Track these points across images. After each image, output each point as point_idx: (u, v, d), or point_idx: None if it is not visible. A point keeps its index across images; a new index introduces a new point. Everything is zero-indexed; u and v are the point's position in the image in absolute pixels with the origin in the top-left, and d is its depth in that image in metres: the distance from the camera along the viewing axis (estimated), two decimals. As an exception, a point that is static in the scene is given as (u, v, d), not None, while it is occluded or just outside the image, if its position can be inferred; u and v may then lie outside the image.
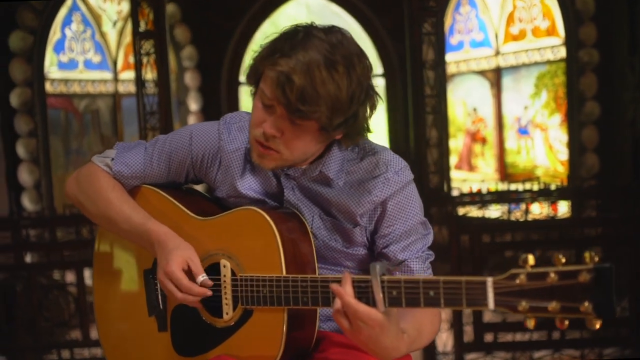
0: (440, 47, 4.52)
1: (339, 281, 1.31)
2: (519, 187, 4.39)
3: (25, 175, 5.09)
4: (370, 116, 1.44)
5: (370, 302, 1.29)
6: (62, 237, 4.04)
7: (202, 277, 1.46)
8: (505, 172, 5.60)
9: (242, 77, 6.58)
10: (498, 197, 4.06)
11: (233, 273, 1.47)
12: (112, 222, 1.58)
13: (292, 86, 1.32)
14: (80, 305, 3.76)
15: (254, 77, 1.44)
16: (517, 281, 1.16)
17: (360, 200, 1.47)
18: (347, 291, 1.29)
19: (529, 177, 5.13)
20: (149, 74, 4.61)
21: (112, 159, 1.61)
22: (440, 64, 4.51)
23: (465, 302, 1.21)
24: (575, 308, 1.11)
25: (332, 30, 1.39)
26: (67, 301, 4.06)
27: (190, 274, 1.46)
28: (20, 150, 5.10)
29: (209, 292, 1.47)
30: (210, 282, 1.46)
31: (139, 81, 4.65)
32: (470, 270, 3.66)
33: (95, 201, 1.59)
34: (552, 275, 1.14)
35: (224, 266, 1.48)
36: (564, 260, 1.16)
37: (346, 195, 1.48)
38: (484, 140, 5.76)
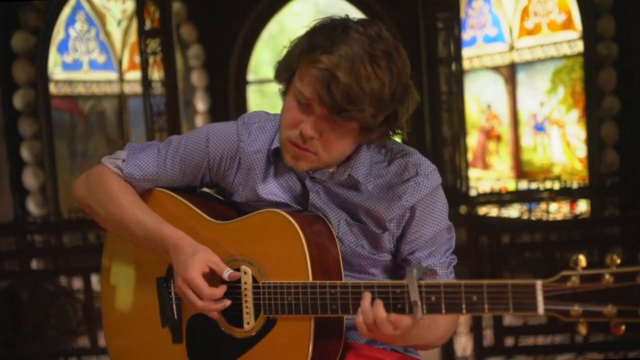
0: (457, 41, 4.43)
1: (370, 287, 1.28)
2: (539, 185, 4.30)
3: (30, 179, 5.05)
4: (409, 113, 1.37)
5: (407, 308, 1.23)
6: (68, 243, 3.98)
7: (228, 271, 1.39)
8: (521, 169, 5.55)
9: (250, 76, 6.61)
10: (518, 196, 3.97)
11: (254, 280, 1.40)
12: (124, 227, 1.50)
13: (337, 84, 1.26)
14: (88, 312, 3.70)
15: (286, 74, 1.38)
16: (569, 284, 1.11)
17: (390, 205, 1.42)
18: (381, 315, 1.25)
19: (546, 174, 5.09)
20: (156, 74, 4.55)
21: (123, 160, 1.53)
22: (457, 59, 4.42)
23: (512, 307, 1.15)
24: (634, 312, 1.08)
25: (369, 23, 1.33)
26: (75, 308, 4.01)
27: (211, 278, 1.39)
28: (25, 153, 5.06)
29: (228, 302, 1.40)
30: (238, 274, 1.39)
31: (146, 81, 4.60)
32: (489, 272, 3.58)
33: (105, 205, 1.52)
34: (607, 277, 1.10)
35: (245, 272, 1.40)
36: (619, 261, 1.11)
37: (375, 199, 1.43)
38: (498, 138, 5.72)
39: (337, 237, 1.43)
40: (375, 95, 1.27)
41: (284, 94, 1.40)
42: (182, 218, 1.50)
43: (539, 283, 1.12)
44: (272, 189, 1.47)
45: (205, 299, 1.38)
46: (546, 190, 3.94)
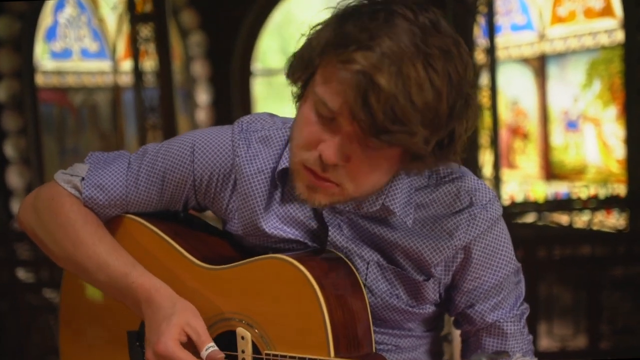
0: (491, 29, 4.16)
1: None
2: (579, 193, 4.07)
3: (14, 178, 4.98)
4: (468, 134, 1.09)
5: None
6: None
7: (209, 347, 1.15)
8: (550, 171, 5.48)
9: (256, 66, 6.55)
10: (557, 205, 3.71)
11: (255, 348, 1.18)
12: (83, 269, 1.26)
13: (378, 94, 0.97)
14: (73, 330, 3.43)
15: (302, 74, 1.10)
16: None
17: (437, 245, 1.18)
18: None
19: (580, 177, 5.08)
20: (148, 64, 4.31)
21: (83, 178, 1.28)
22: (490, 49, 4.16)
23: None
24: None
25: (421, 8, 1.03)
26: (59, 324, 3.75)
27: (192, 347, 1.16)
28: (9, 150, 5.01)
29: None
30: (222, 355, 1.15)
31: (137, 72, 4.53)
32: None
33: (58, 239, 1.27)
34: None
35: (243, 337, 1.17)
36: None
37: (417, 236, 1.19)
38: (525, 136, 5.64)
39: (364, 285, 1.18)
40: (430, 110, 0.99)
41: (299, 99, 1.13)
42: (159, 258, 1.26)
43: None
44: (277, 224, 1.23)
45: None
46: (590, 199, 3.65)
